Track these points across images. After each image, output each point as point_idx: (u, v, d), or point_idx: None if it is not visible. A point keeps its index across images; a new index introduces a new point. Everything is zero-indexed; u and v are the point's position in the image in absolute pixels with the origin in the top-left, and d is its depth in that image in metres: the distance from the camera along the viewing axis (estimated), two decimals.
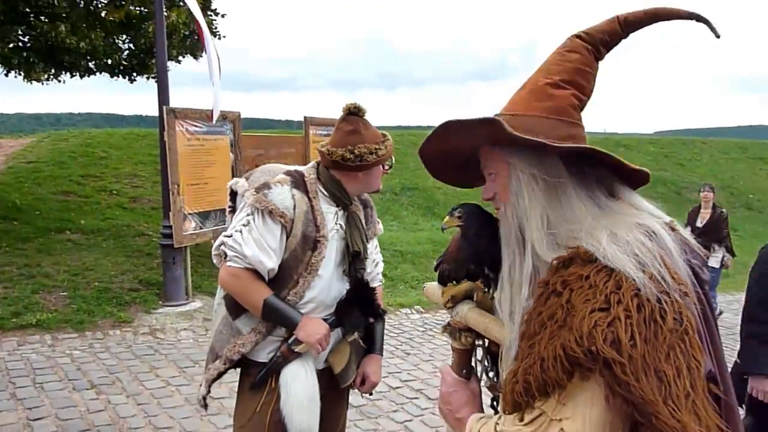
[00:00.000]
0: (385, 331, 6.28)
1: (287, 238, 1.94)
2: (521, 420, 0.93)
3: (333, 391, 2.11)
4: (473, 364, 1.36)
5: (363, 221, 2.15)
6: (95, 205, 9.49)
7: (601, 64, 1.10)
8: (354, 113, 1.99)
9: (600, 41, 1.07)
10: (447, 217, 1.44)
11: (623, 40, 1.09)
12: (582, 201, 1.00)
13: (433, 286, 1.68)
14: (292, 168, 2.10)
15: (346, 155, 1.95)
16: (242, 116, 7.37)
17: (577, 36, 1.07)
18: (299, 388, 1.94)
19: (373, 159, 1.98)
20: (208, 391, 2.15)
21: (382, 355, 2.24)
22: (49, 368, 4.45)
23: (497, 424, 0.98)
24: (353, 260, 2.05)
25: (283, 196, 1.93)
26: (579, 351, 0.85)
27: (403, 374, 4.86)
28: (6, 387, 4.02)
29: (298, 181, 1.99)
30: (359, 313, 2.07)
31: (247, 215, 1.92)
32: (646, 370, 0.83)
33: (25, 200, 9.00)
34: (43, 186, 9.91)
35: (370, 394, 2.25)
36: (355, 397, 2.40)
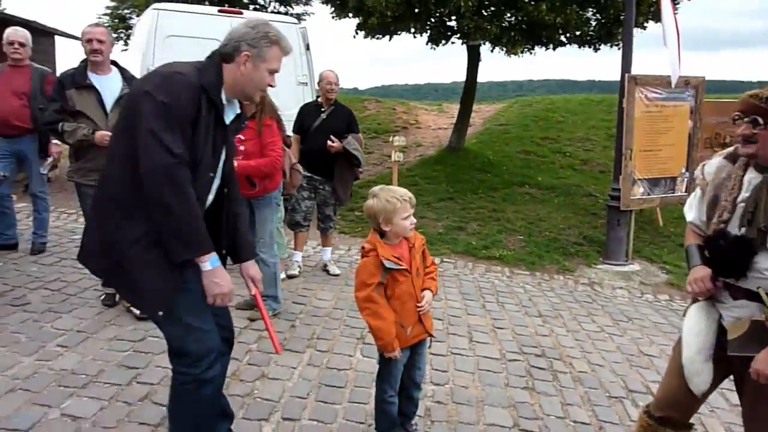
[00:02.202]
0: None
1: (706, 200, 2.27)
2: None
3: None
4: None
5: None
6: (550, 165, 10.58)
7: None
8: None
9: None
10: None
11: None
12: None
13: None
14: None
15: None
16: (708, 79, 6.96)
17: None
18: (686, 321, 2.30)
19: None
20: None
21: None
22: (507, 293, 5.49)
23: None
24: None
25: (710, 165, 2.29)
26: None
27: None
28: (478, 299, 5.20)
29: (734, 153, 2.20)
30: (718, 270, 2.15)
31: None
32: None
33: (495, 157, 10.75)
34: (510, 145, 11.56)
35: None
36: None
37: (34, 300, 4.17)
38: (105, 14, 22.96)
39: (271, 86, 2.20)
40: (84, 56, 3.98)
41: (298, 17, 19.43)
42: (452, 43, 9.80)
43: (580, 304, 5.42)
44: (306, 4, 20.84)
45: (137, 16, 19.08)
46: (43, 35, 8.35)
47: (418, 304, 2.64)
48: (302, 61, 7.22)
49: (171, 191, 1.92)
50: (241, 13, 7.35)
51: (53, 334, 3.67)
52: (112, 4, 22.73)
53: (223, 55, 2.11)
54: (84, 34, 3.92)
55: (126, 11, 22.57)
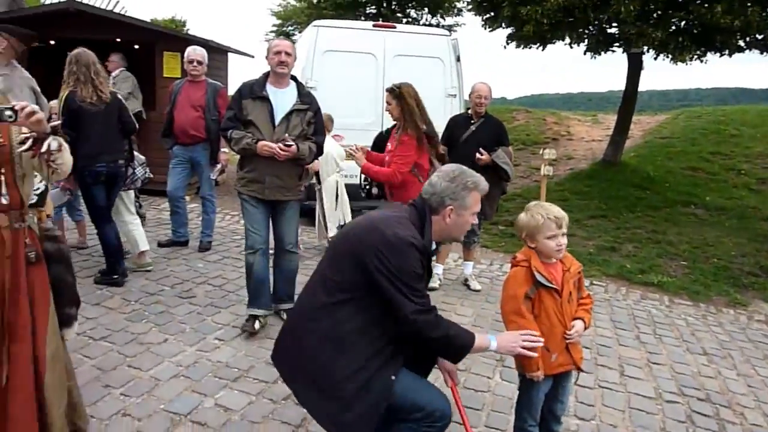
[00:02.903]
0: None
1: None
2: None
3: None
4: None
5: None
6: (721, 183, 9.52)
7: None
8: None
9: None
10: None
11: None
12: None
13: None
14: None
15: None
16: None
17: None
18: None
19: None
20: None
21: None
22: (666, 325, 4.97)
23: None
24: None
25: None
26: None
27: None
28: (632, 329, 4.77)
29: None
30: None
31: None
32: None
33: (657, 172, 9.90)
34: (674, 160, 10.59)
35: None
36: None
37: (199, 294, 4.57)
38: (272, 32, 24.96)
39: (473, 223, 2.40)
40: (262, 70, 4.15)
41: (449, 29, 19.55)
42: (612, 51, 9.21)
43: (755, 345, 4.76)
44: (457, 15, 20.95)
45: (299, 32, 20.48)
46: (218, 53, 9.21)
47: (567, 333, 2.47)
48: (452, 72, 7.21)
49: (431, 328, 2.16)
50: (395, 27, 7.52)
51: (213, 327, 3.98)
52: (278, 22, 24.67)
53: (431, 209, 2.30)
54: (273, 46, 4.05)
55: (290, 28, 24.35)
